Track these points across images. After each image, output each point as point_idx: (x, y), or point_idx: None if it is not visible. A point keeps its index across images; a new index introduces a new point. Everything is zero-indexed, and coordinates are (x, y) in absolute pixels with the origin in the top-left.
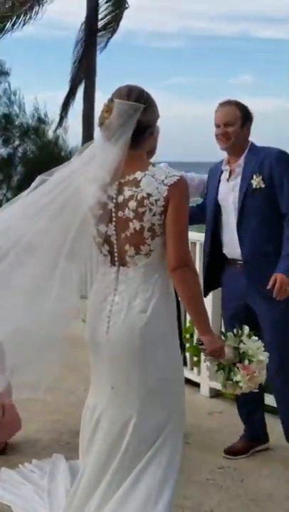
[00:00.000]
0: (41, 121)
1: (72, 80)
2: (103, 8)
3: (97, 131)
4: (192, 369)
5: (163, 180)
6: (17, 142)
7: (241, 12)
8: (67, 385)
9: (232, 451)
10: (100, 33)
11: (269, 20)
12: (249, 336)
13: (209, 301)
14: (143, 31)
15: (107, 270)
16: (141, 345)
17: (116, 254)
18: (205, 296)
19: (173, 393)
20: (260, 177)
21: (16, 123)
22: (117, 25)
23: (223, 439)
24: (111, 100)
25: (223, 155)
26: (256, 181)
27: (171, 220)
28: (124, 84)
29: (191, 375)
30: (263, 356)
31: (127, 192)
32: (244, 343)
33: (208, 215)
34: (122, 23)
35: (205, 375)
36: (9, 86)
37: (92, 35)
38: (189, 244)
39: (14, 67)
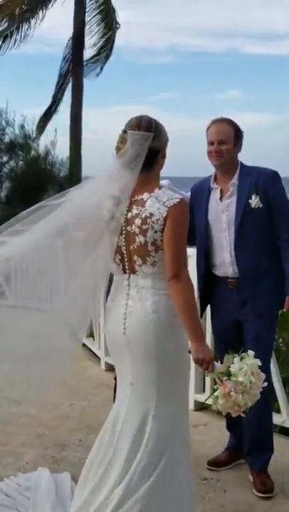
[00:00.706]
0: (28, 137)
1: (55, 95)
2: (94, 28)
3: (111, 158)
4: None
5: (164, 202)
6: (5, 158)
7: (229, 29)
8: (52, 399)
9: (215, 463)
10: (94, 59)
11: (257, 37)
12: (241, 359)
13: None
14: (132, 47)
15: (120, 277)
16: (155, 341)
17: (126, 264)
18: (201, 315)
19: (184, 388)
20: (259, 197)
21: (4, 139)
22: (111, 49)
23: (207, 452)
24: (124, 132)
25: (210, 171)
26: (255, 201)
27: (166, 236)
28: (135, 116)
29: None
30: (244, 379)
31: (135, 210)
32: (234, 363)
33: (200, 235)
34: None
35: (191, 388)
36: None
37: (79, 52)
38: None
39: (2, 83)
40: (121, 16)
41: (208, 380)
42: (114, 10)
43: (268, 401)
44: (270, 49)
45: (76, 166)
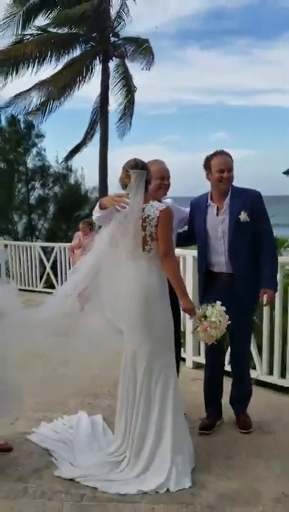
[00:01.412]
0: (68, 169)
1: (85, 136)
2: (117, 90)
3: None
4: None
5: (157, 208)
6: (50, 185)
7: (218, 87)
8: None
9: (207, 427)
10: (122, 119)
11: (238, 93)
12: (212, 306)
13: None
14: (143, 103)
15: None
16: (146, 302)
17: (140, 249)
18: (201, 302)
19: (170, 340)
20: (246, 213)
21: (50, 171)
22: (132, 108)
23: (200, 397)
24: (127, 170)
25: (198, 192)
26: (243, 216)
27: (159, 230)
28: (131, 158)
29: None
30: (216, 318)
31: (145, 213)
32: (208, 310)
33: (200, 241)
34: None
35: (190, 352)
36: (42, 145)
37: (105, 106)
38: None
39: (49, 130)
40: (135, 80)
41: (202, 345)
42: (131, 76)
43: (247, 361)
44: (248, 102)
45: (103, 191)
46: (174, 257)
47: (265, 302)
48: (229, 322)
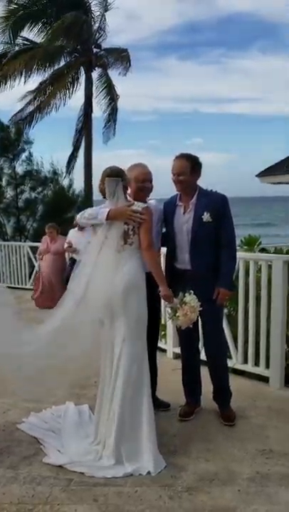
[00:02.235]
0: (56, 173)
1: (74, 145)
2: (101, 98)
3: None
4: (161, 340)
5: (139, 206)
6: (39, 189)
7: (193, 95)
8: None
9: (185, 414)
10: (107, 126)
11: (212, 101)
12: (189, 294)
13: None
14: (125, 110)
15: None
16: (125, 291)
17: (121, 242)
18: None
19: (142, 330)
20: (209, 214)
21: (39, 176)
22: (116, 115)
23: (181, 387)
24: (103, 179)
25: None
26: (206, 216)
27: (142, 226)
28: (108, 167)
29: (160, 344)
30: (194, 303)
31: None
32: (185, 297)
33: (169, 239)
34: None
35: (170, 343)
36: (29, 151)
37: (88, 116)
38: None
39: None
40: (117, 89)
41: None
42: (114, 86)
43: (222, 353)
44: (221, 109)
45: (88, 193)
46: (154, 249)
47: (218, 301)
48: (201, 308)
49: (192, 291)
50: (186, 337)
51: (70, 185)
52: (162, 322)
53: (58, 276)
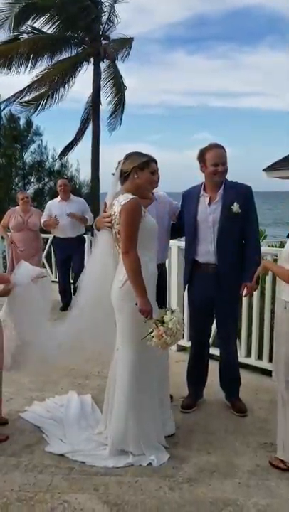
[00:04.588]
0: (62, 165)
1: (77, 134)
2: (108, 89)
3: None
4: None
5: (121, 202)
6: (46, 179)
7: (200, 89)
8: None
9: (187, 407)
10: (113, 115)
11: (219, 95)
12: (171, 312)
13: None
14: (134, 104)
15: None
16: (118, 297)
17: (116, 247)
18: (184, 288)
19: (132, 336)
20: (239, 205)
21: (45, 167)
22: (123, 106)
23: (184, 377)
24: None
25: (183, 187)
26: (236, 207)
27: (120, 225)
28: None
29: None
30: (173, 325)
31: (111, 211)
32: (166, 315)
33: (189, 230)
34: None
35: None
36: (41, 142)
37: (96, 106)
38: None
39: (45, 129)
40: (125, 82)
41: (186, 329)
42: (121, 76)
43: (234, 346)
44: (228, 103)
45: (95, 186)
46: (133, 254)
47: (244, 294)
48: (184, 332)
49: (179, 309)
50: (199, 328)
51: (59, 171)
52: None
53: (39, 259)
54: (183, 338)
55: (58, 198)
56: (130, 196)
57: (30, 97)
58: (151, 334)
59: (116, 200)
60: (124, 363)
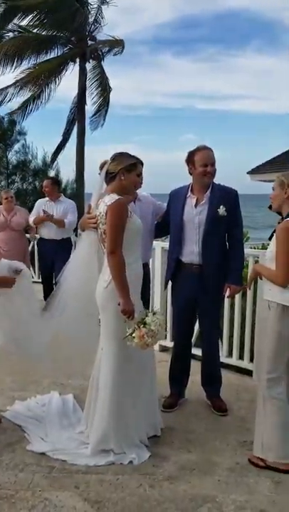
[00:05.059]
0: (47, 165)
1: (64, 136)
2: (94, 90)
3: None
4: None
5: (107, 203)
6: (30, 179)
7: (186, 91)
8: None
9: (169, 406)
10: (97, 114)
11: (205, 97)
12: (153, 314)
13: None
14: (119, 104)
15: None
16: (102, 297)
17: (101, 247)
18: (165, 288)
19: (114, 333)
20: (225, 208)
21: (30, 166)
22: (107, 106)
23: (166, 377)
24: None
25: (169, 189)
26: (222, 210)
27: (106, 225)
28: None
29: None
30: (154, 327)
31: (97, 211)
32: (148, 317)
33: (175, 230)
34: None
35: None
36: (25, 141)
37: (82, 106)
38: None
39: (30, 128)
40: (111, 83)
41: (168, 330)
42: (107, 78)
43: (216, 346)
44: (214, 106)
45: (80, 186)
46: (119, 254)
47: (227, 295)
48: (166, 333)
49: (159, 311)
50: (182, 328)
51: (57, 176)
52: None
53: (24, 260)
54: (166, 338)
55: (47, 197)
56: (116, 197)
57: (15, 96)
58: (133, 335)
59: (102, 200)
60: (107, 362)
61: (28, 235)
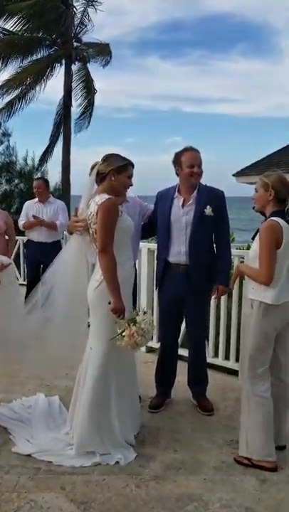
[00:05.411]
0: (33, 167)
1: (51, 139)
2: (79, 92)
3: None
4: None
5: (97, 202)
6: (16, 181)
7: (173, 94)
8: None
9: (155, 406)
10: (82, 116)
11: (192, 100)
12: (144, 313)
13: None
14: (105, 107)
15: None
16: (93, 296)
17: (94, 247)
18: (156, 288)
19: (102, 333)
20: (211, 208)
21: (16, 168)
22: (92, 108)
23: (152, 378)
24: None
25: (155, 191)
26: (208, 210)
27: (97, 224)
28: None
29: None
30: (145, 326)
31: (88, 211)
32: (138, 315)
33: (162, 230)
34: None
35: None
36: (9, 143)
37: (68, 109)
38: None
39: (15, 130)
40: (97, 85)
41: (155, 331)
42: (92, 80)
43: (203, 347)
44: (201, 109)
45: (66, 188)
46: (110, 253)
47: (215, 296)
48: (154, 334)
49: (149, 311)
50: (169, 328)
51: (30, 172)
52: None
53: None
54: (152, 339)
55: (36, 199)
56: (107, 196)
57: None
58: (122, 334)
59: (92, 200)
60: (95, 361)
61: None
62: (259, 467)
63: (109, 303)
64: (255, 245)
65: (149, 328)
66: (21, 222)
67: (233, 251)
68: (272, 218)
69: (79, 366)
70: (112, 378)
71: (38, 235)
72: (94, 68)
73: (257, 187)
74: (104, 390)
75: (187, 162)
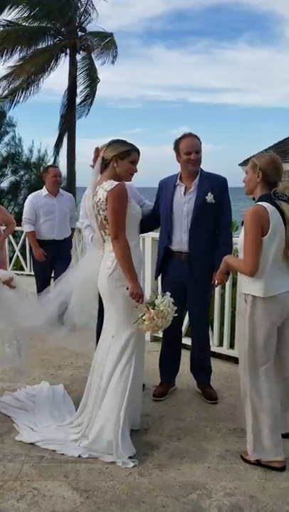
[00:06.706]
0: (40, 157)
1: (60, 130)
2: (82, 80)
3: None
4: None
5: (106, 189)
6: (22, 172)
7: (179, 84)
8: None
9: (160, 395)
10: (82, 104)
11: (198, 90)
12: (163, 296)
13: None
14: (112, 98)
15: (102, 245)
16: (109, 284)
17: (101, 234)
18: (156, 278)
19: (130, 322)
20: (213, 195)
21: (22, 159)
22: (93, 96)
23: (156, 367)
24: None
25: (156, 182)
26: (210, 197)
27: (107, 211)
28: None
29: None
30: (164, 308)
31: (96, 198)
32: (157, 298)
33: (165, 218)
34: (97, 93)
35: None
36: (15, 133)
37: (73, 100)
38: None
39: (21, 121)
40: (104, 76)
41: None
42: (96, 69)
43: (206, 335)
44: (207, 99)
45: (71, 179)
46: (123, 239)
47: (215, 284)
48: (176, 315)
49: (169, 293)
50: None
51: (36, 164)
52: None
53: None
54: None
55: (44, 192)
56: (115, 182)
57: (6, 90)
58: (143, 318)
59: (100, 187)
60: (118, 349)
61: (17, 227)
62: (268, 467)
63: (127, 288)
64: (242, 233)
65: (169, 310)
66: (26, 225)
67: (235, 240)
68: (258, 203)
69: (94, 354)
70: (132, 366)
71: (49, 233)
72: (100, 60)
73: (247, 169)
74: (134, 377)
75: (184, 149)
